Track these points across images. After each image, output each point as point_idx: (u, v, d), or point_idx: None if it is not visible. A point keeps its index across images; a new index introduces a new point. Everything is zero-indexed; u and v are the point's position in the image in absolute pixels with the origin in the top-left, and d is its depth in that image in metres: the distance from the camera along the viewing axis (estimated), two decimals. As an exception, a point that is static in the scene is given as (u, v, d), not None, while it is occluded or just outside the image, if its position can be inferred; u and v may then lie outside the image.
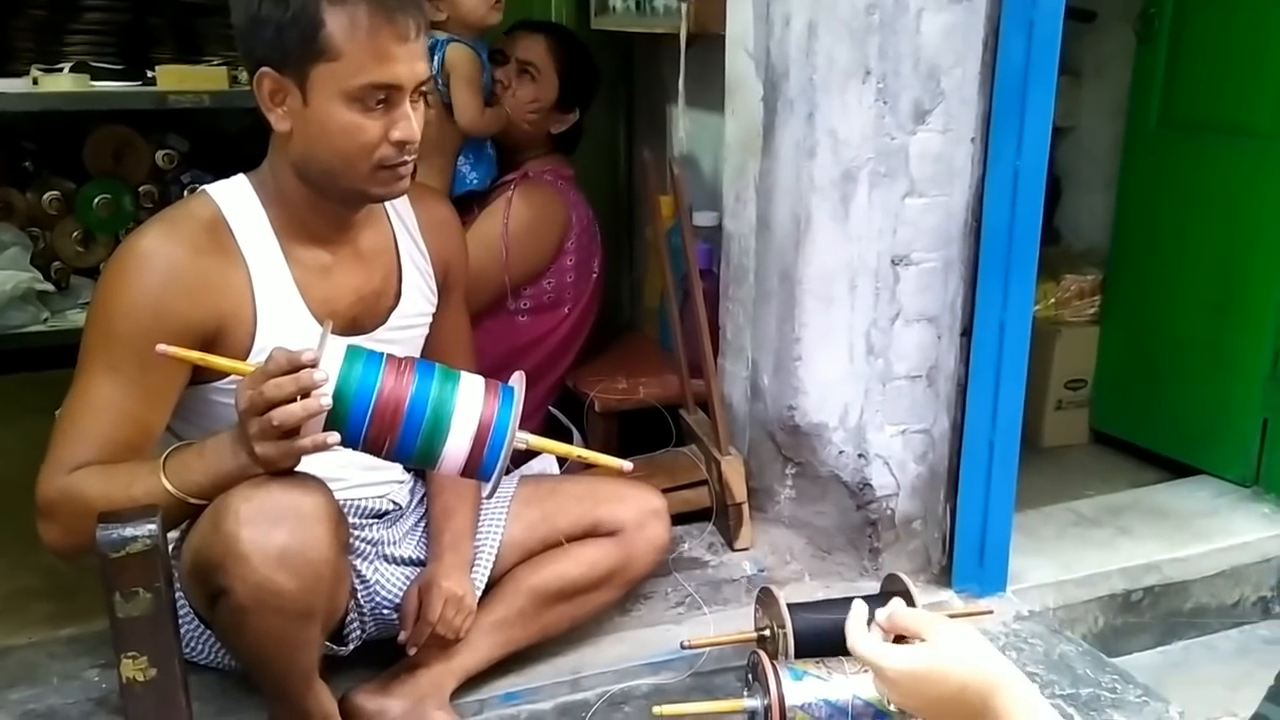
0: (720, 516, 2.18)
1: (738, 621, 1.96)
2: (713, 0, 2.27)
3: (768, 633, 1.83)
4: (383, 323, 1.67)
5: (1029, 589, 2.20)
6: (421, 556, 1.77)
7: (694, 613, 2.03)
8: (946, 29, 1.94)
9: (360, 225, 1.64)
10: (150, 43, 3.48)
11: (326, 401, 1.31)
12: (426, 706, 1.70)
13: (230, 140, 3.52)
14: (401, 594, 1.73)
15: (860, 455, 2.13)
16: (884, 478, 2.14)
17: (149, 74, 3.27)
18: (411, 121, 1.49)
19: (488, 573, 1.79)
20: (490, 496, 1.63)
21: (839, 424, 2.13)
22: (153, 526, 1.28)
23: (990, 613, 2.07)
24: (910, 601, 1.81)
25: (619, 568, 1.85)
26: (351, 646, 1.70)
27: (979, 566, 2.15)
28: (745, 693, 1.71)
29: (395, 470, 1.79)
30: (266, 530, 1.34)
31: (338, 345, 1.36)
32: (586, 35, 2.82)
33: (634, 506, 1.87)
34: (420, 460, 1.41)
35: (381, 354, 1.39)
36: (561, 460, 2.25)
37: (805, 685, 1.65)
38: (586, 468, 2.35)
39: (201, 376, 1.50)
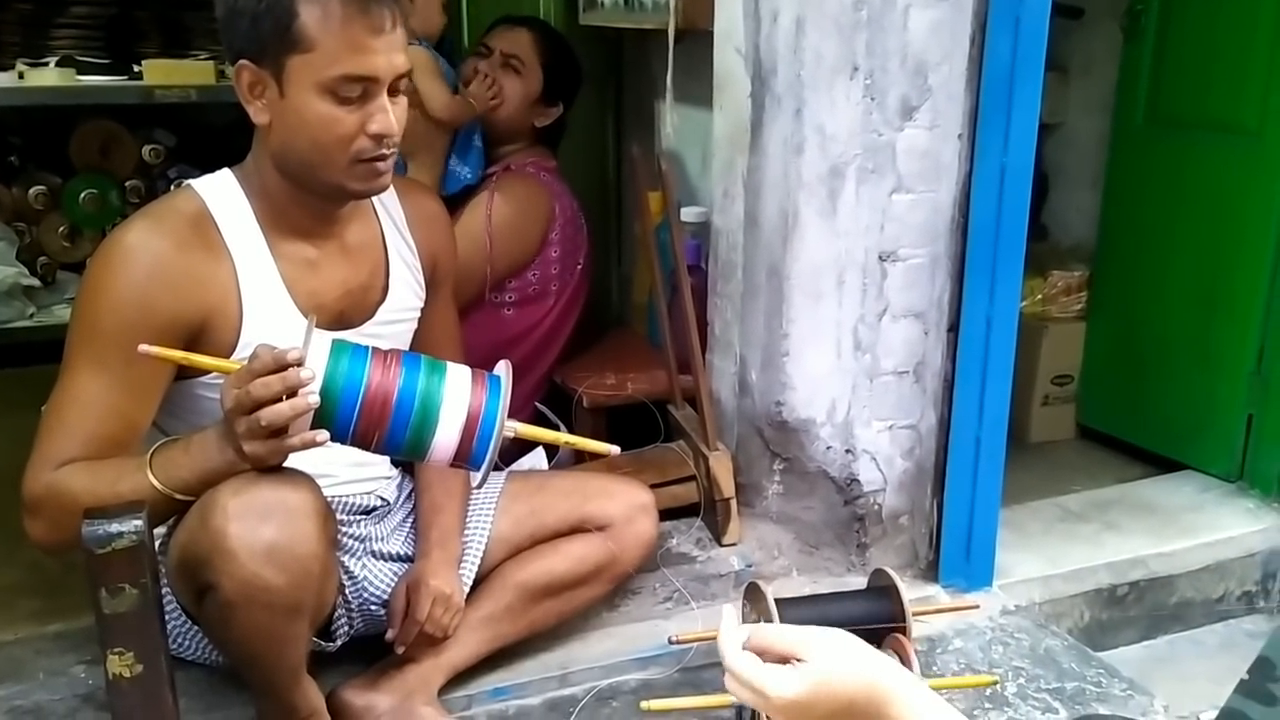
0: (708, 512, 2.18)
1: (726, 617, 1.96)
2: (701, -4, 2.27)
3: (755, 628, 1.83)
4: (370, 317, 1.67)
5: (1015, 584, 2.21)
6: (409, 552, 1.77)
7: (682, 608, 2.03)
8: (933, 25, 1.95)
9: (346, 219, 1.64)
10: (136, 37, 3.47)
11: (314, 400, 1.30)
12: (414, 702, 1.70)
13: (217, 135, 3.50)
14: (389, 590, 1.73)
15: (848, 451, 2.13)
16: (871, 473, 2.14)
17: (135, 68, 3.26)
18: (389, 115, 1.48)
19: (475, 568, 1.79)
20: (480, 486, 1.63)
21: (826, 419, 2.13)
22: (139, 522, 1.27)
23: (976, 607, 2.08)
24: (898, 597, 1.82)
25: (607, 563, 1.85)
26: (339, 642, 1.70)
27: (966, 561, 2.16)
28: (733, 687, 1.72)
29: (383, 466, 1.79)
30: (254, 525, 1.34)
31: (323, 341, 1.36)
32: (575, 31, 2.82)
33: (622, 502, 1.88)
34: (409, 452, 1.41)
35: (367, 347, 1.39)
36: (550, 457, 2.25)
37: (792, 680, 1.66)
38: (576, 462, 2.37)
39: (187, 372, 1.50)
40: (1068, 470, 2.81)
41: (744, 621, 1.87)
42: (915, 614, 1.84)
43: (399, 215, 1.73)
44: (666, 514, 2.08)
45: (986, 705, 1.86)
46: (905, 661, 1.69)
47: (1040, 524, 2.46)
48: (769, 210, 2.10)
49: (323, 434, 1.33)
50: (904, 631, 1.78)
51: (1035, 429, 3.00)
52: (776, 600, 1.80)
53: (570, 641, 1.94)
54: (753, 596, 1.85)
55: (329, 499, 1.46)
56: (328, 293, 1.60)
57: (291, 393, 1.29)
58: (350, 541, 1.73)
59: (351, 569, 1.72)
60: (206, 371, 1.46)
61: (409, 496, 1.84)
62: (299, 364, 1.30)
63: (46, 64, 3.23)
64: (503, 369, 1.44)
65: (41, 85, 3.16)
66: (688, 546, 2.15)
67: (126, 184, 3.56)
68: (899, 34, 1.94)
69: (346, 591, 1.70)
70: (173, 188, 3.15)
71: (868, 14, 1.94)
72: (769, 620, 1.78)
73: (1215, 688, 2.05)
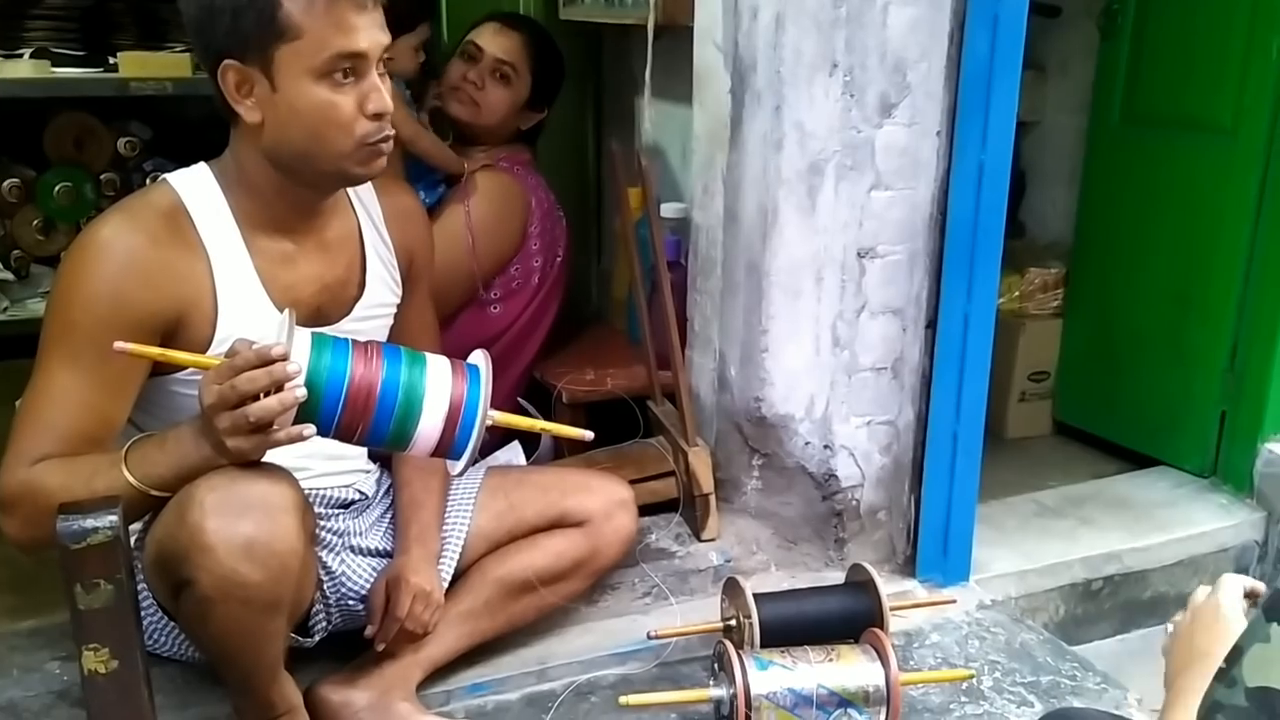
0: (687, 507, 2.18)
1: (704, 612, 1.97)
2: (681, -9, 2.27)
3: (734, 623, 1.84)
4: (347, 313, 1.66)
5: (992, 578, 2.22)
6: (388, 548, 1.77)
7: (661, 603, 2.04)
8: (912, 23, 1.96)
9: (325, 214, 1.63)
10: (112, 29, 3.42)
11: (301, 394, 1.30)
12: (393, 698, 1.69)
13: (193, 128, 3.44)
14: (368, 585, 1.72)
15: (826, 446, 2.14)
16: (849, 469, 2.15)
17: (111, 60, 3.22)
18: (383, 92, 1.48)
19: (454, 564, 1.79)
20: (460, 475, 1.63)
21: (805, 415, 2.14)
22: (114, 518, 1.26)
23: (953, 602, 2.10)
24: (875, 592, 1.82)
25: (586, 558, 1.85)
26: (317, 638, 1.69)
27: (943, 556, 2.17)
28: (711, 682, 1.73)
29: (360, 459, 1.78)
30: (232, 521, 1.33)
31: (304, 334, 1.36)
32: (555, 25, 2.81)
33: (601, 497, 1.88)
34: (392, 443, 1.40)
35: (347, 340, 1.38)
36: (529, 455, 2.25)
37: (771, 674, 1.67)
38: (555, 457, 2.36)
39: (163, 368, 1.49)
40: (1044, 466, 2.83)
41: (722, 617, 1.88)
42: (893, 609, 1.85)
43: (376, 211, 1.72)
44: (645, 509, 2.08)
45: (963, 699, 1.87)
46: (882, 656, 1.70)
47: (1016, 519, 2.48)
48: (748, 206, 2.10)
49: (309, 428, 1.33)
50: (882, 626, 1.79)
51: (1012, 425, 3.02)
52: (755, 595, 1.81)
53: (549, 637, 1.94)
54: (731, 592, 1.86)
55: (306, 493, 1.46)
56: (304, 288, 1.60)
57: (278, 387, 1.29)
58: (329, 537, 1.72)
59: (330, 564, 1.71)
60: (182, 368, 1.45)
61: (387, 491, 1.83)
62: (284, 358, 1.29)
63: (21, 56, 3.19)
64: (480, 358, 1.44)
65: (15, 77, 3.12)
66: (667, 542, 2.15)
67: (101, 177, 3.52)
68: (878, 31, 1.95)
69: (325, 587, 1.69)
70: (148, 181, 3.14)
71: (847, 11, 1.94)
72: (747, 616, 1.78)
73: (1188, 681, 2.09)
